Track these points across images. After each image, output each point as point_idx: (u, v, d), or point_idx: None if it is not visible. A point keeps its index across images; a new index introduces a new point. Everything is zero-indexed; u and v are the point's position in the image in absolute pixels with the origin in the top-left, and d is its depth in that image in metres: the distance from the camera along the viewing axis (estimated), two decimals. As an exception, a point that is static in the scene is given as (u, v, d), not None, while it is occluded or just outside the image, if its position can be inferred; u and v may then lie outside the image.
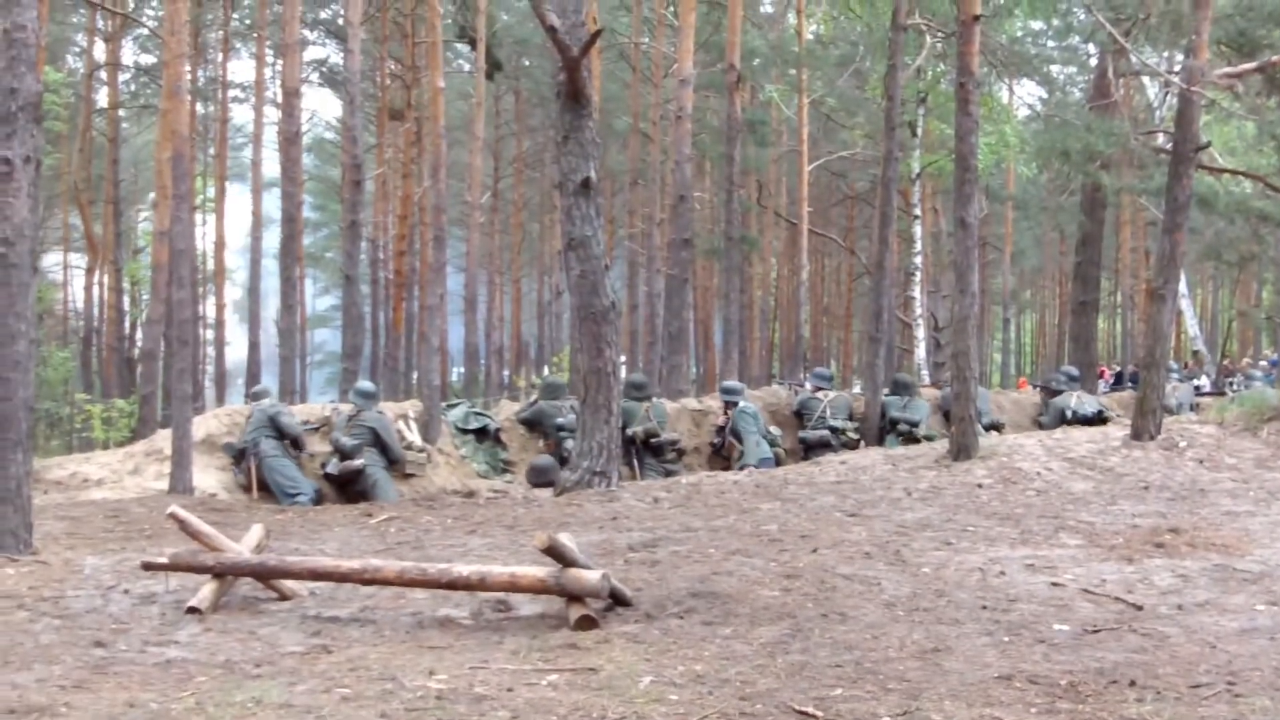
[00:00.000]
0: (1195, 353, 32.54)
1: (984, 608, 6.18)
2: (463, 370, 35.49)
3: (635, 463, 14.97)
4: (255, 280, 32.47)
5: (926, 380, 22.88)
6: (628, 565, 7.35)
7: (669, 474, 14.39)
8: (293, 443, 13.80)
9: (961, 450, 11.83)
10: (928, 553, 7.74)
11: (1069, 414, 16.74)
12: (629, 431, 14.68)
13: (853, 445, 15.91)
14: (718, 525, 8.94)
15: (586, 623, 5.84)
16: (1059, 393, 17.56)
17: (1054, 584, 6.77)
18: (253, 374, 29.06)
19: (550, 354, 41.45)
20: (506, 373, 46.34)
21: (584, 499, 10.68)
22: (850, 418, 16.60)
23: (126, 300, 35.94)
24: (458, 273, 40.68)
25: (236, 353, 45.08)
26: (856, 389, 22.40)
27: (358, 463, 13.52)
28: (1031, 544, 8.07)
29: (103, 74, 34.92)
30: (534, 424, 15.78)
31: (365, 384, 15.18)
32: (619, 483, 11.71)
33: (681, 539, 8.29)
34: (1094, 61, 27.69)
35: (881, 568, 7.26)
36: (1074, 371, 18.63)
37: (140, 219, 48.17)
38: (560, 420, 15.19)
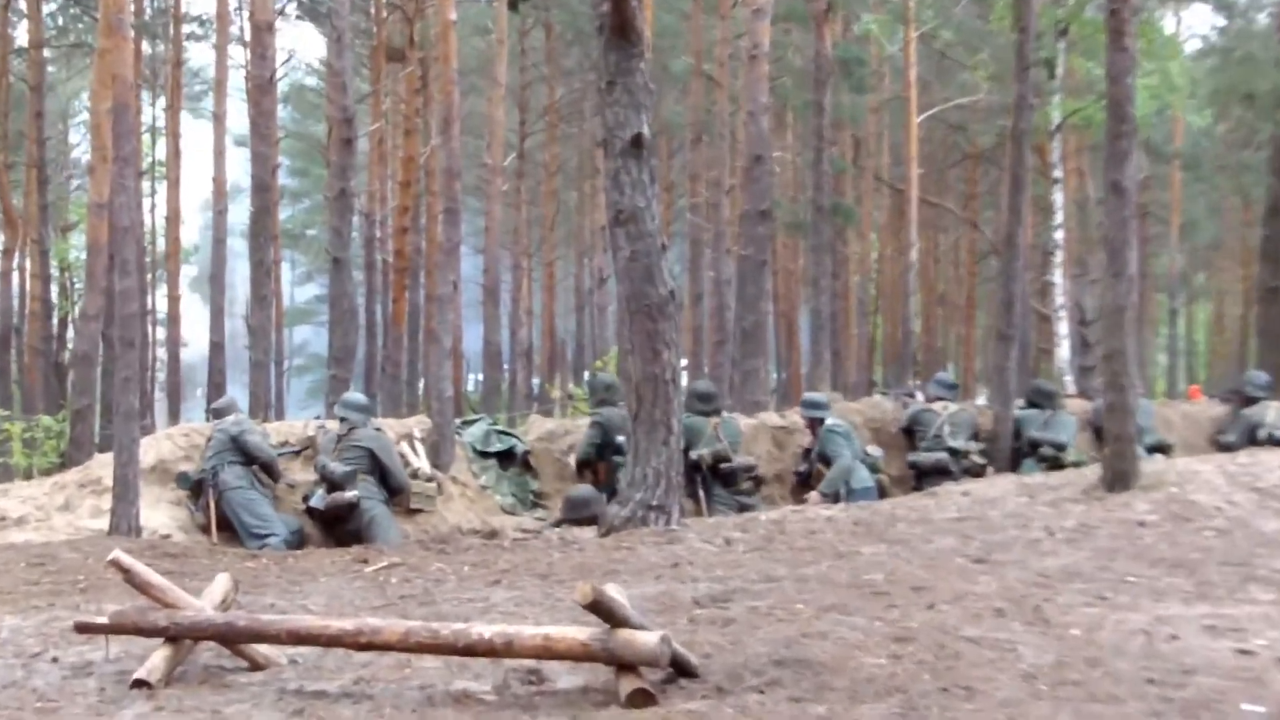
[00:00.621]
0: None
1: (1150, 681, 6.11)
2: (482, 378, 35.59)
3: (701, 494, 14.92)
4: (218, 265, 32.46)
5: (1071, 389, 22.74)
6: (693, 625, 7.33)
7: (744, 508, 14.33)
8: (264, 470, 13.84)
9: (1118, 478, 11.73)
10: (1076, 610, 7.68)
11: (1263, 432, 16.49)
12: (693, 455, 14.63)
13: (978, 471, 15.80)
14: (807, 574, 8.91)
15: (641, 698, 5.81)
16: (1253, 401, 17.26)
17: (1241, 651, 6.68)
18: (215, 383, 29.18)
19: (592, 357, 41.51)
20: (537, 381, 46.48)
21: (637, 540, 10.67)
22: (975, 437, 16.51)
23: (55, 290, 36.23)
24: (475, 254, 40.89)
25: (195, 356, 45.41)
26: (982, 400, 22.32)
27: (350, 495, 13.53)
28: (1211, 599, 7.98)
29: (22, 4, 35.11)
30: (600, 453, 15.44)
31: (356, 395, 15.20)
32: (681, 519, 11.69)
33: (761, 591, 8.27)
34: (1286, -21, 27.48)
35: (1017, 629, 7.20)
36: (1265, 377, 18.31)
37: (72, 187, 48.61)
38: (620, 439, 14.54)
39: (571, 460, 15.70)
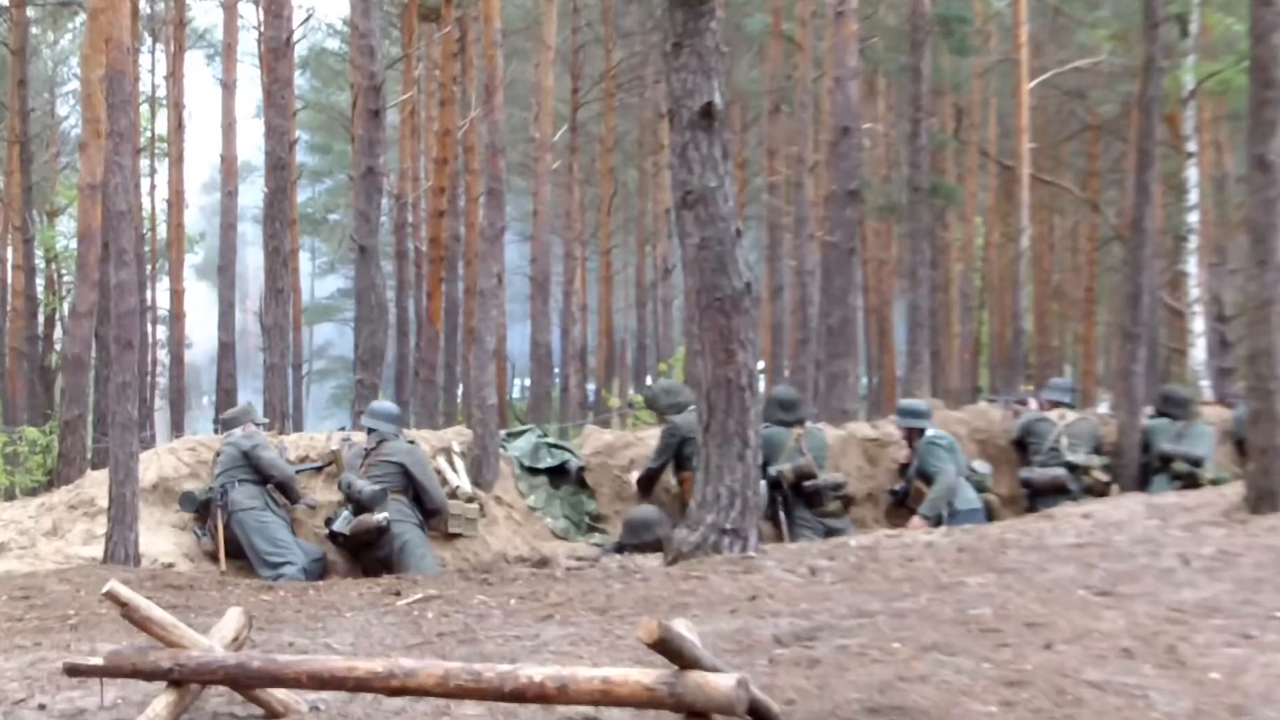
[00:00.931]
0: None
1: (1304, 732, 6.07)
2: (529, 383, 35.62)
3: (782, 516, 14.88)
4: (228, 254, 32.64)
5: (1208, 395, 22.61)
6: (774, 666, 7.32)
7: (831, 532, 14.30)
8: (280, 489, 13.83)
9: (1264, 497, 11.64)
10: (1216, 650, 7.61)
11: None
12: (773, 471, 14.59)
13: (1101, 490, 15.71)
14: (904, 608, 8.87)
15: (715, 750, 5.80)
16: None
17: None
18: (225, 389, 29.36)
19: (655, 359, 41.53)
20: (593, 386, 46.46)
21: (709, 569, 10.65)
22: (1097, 450, 16.39)
23: (40, 283, 36.35)
24: (521, 242, 41.09)
25: (201, 358, 45.66)
26: (1104, 408, 22.17)
27: (379, 517, 13.50)
28: (1374, 638, 7.93)
29: (3, -44, 35.32)
30: (682, 464, 15.11)
31: (385, 404, 15.20)
32: (759, 545, 11.66)
33: (852, 628, 8.24)
34: None
35: (1148, 672, 7.15)
36: None
37: (60, 166, 48.85)
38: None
39: (633, 477, 15.60)
